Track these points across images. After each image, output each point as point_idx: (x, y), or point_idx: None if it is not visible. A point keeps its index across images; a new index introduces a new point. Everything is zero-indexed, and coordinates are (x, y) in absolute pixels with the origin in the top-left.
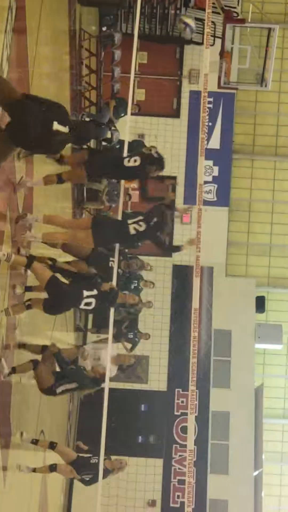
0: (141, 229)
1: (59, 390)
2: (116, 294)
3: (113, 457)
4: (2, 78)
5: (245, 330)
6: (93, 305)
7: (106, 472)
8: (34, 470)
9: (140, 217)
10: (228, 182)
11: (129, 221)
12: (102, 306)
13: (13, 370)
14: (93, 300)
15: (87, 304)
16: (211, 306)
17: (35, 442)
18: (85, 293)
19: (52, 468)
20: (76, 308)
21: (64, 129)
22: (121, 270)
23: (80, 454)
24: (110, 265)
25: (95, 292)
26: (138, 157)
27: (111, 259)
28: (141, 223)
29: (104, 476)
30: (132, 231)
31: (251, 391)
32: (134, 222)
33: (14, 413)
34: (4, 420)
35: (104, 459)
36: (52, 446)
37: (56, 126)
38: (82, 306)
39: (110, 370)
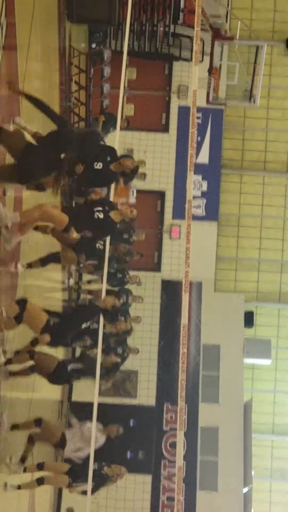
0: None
1: (69, 368)
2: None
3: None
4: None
5: (234, 345)
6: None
7: (106, 479)
8: (19, 487)
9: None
10: (217, 197)
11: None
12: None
13: (9, 361)
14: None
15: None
16: (200, 321)
17: (24, 470)
18: (84, 325)
19: (40, 481)
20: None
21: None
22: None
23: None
24: (97, 246)
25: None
26: (101, 162)
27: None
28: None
29: (104, 483)
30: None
31: (240, 406)
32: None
33: (1, 429)
34: None
35: (103, 466)
36: (40, 466)
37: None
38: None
39: (98, 439)
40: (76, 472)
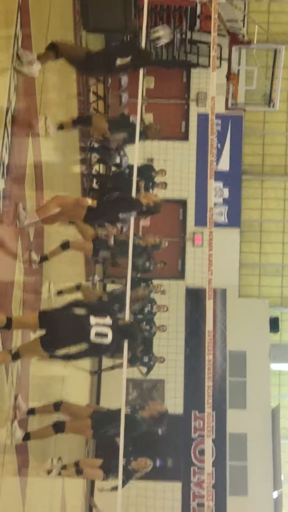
0: None
1: None
2: (137, 327)
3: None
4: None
5: (259, 350)
6: (109, 338)
7: (132, 473)
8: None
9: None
10: (239, 203)
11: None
12: (121, 340)
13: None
14: (108, 331)
15: (99, 334)
16: (225, 328)
17: (64, 467)
18: (93, 319)
19: (79, 473)
20: (86, 339)
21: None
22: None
23: None
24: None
25: (108, 320)
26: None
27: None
28: None
29: (131, 477)
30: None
31: (268, 412)
32: None
33: (31, 444)
34: (22, 449)
35: (131, 461)
36: (76, 465)
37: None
38: (93, 338)
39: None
40: (107, 467)
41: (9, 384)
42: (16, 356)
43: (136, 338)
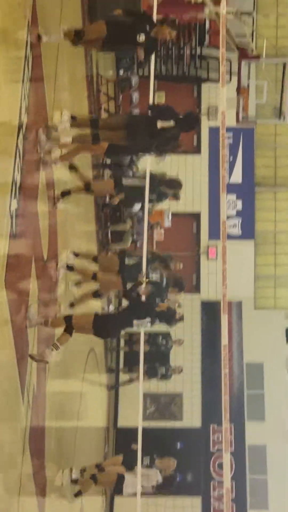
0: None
1: None
2: (174, 312)
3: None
4: None
5: (277, 362)
6: (148, 324)
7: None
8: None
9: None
10: (252, 215)
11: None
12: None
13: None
14: (148, 324)
15: (140, 325)
16: (241, 340)
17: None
18: (136, 322)
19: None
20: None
21: None
22: None
23: None
24: None
25: (148, 319)
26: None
27: None
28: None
29: None
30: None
31: (287, 423)
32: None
33: (48, 459)
34: (40, 468)
35: (155, 459)
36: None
37: None
38: (135, 328)
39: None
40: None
41: (25, 405)
42: (70, 329)
43: (171, 321)
